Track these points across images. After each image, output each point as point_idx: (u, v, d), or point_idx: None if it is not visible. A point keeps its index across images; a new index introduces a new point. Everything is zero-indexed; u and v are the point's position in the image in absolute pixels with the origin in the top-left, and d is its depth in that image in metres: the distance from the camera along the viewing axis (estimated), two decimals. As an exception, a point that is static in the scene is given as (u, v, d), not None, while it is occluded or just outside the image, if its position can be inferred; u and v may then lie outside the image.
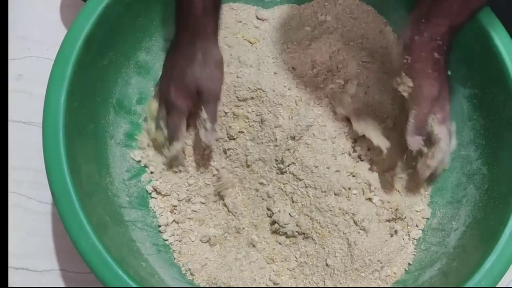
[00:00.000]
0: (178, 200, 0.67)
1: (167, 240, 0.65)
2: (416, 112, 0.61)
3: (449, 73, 0.62)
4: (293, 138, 0.63)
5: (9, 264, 0.68)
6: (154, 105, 0.67)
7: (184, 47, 0.63)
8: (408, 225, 0.67)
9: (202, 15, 0.61)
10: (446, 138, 0.63)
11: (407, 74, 0.60)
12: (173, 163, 0.67)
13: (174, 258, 0.64)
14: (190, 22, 0.61)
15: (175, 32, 0.65)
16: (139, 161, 0.68)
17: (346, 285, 0.62)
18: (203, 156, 0.68)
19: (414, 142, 0.61)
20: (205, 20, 0.62)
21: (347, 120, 0.67)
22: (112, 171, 0.65)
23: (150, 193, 0.67)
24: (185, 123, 0.65)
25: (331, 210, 0.62)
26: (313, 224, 0.63)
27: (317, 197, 0.62)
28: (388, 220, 0.66)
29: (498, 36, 0.64)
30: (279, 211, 0.63)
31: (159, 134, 0.67)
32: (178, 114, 0.65)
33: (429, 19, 0.58)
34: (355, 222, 0.62)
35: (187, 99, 0.64)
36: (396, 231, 0.65)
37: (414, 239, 0.67)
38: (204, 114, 0.63)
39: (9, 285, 0.66)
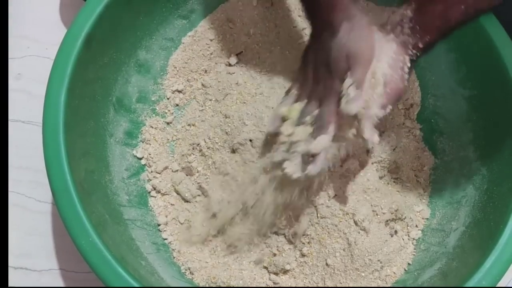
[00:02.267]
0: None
1: (166, 239, 0.65)
2: (381, 103, 0.55)
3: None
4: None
5: (8, 264, 0.67)
6: (297, 106, 0.59)
7: (323, 26, 0.56)
8: (408, 225, 0.67)
9: None
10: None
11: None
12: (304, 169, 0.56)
13: (174, 257, 0.64)
14: (326, 1, 0.55)
15: (308, 16, 0.59)
16: (140, 159, 0.68)
17: (346, 285, 0.62)
18: None
19: (372, 134, 0.55)
20: None
21: None
22: (112, 170, 0.65)
23: (149, 192, 0.67)
24: (334, 94, 0.55)
25: (331, 211, 0.62)
26: (313, 224, 0.63)
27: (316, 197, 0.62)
28: (388, 221, 0.66)
29: (498, 38, 0.64)
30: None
31: (300, 131, 0.57)
32: (333, 100, 0.55)
33: (413, 28, 0.55)
34: (355, 222, 0.62)
35: (339, 72, 0.55)
36: (396, 231, 0.66)
37: (413, 239, 0.67)
38: (348, 81, 0.54)
39: (9, 285, 0.66)
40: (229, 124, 0.67)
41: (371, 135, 0.54)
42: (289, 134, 0.58)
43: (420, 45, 0.55)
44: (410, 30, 0.55)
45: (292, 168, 0.56)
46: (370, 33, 0.55)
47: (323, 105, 0.56)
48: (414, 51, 0.56)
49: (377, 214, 0.65)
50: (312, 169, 0.55)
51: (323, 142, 0.54)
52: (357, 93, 0.53)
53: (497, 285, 0.55)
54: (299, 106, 0.59)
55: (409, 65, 0.56)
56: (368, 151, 0.67)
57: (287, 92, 0.62)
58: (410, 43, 0.55)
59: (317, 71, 0.58)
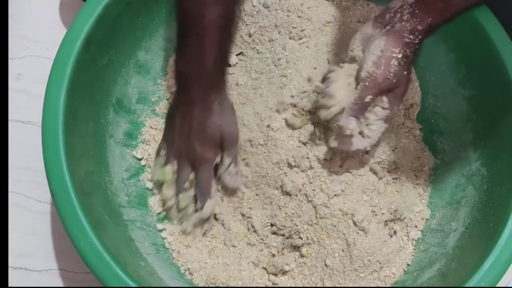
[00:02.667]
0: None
1: (166, 238, 0.65)
2: (361, 94, 0.58)
3: (411, 76, 0.61)
4: None
5: (8, 264, 0.68)
6: (169, 169, 0.66)
7: (198, 101, 0.63)
8: (407, 226, 0.67)
9: (214, 71, 0.62)
10: (376, 137, 0.61)
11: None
12: (201, 226, 0.66)
13: (173, 258, 0.64)
14: (203, 77, 0.62)
15: (181, 88, 0.65)
16: (140, 159, 0.68)
17: (345, 286, 0.62)
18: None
19: (347, 121, 0.58)
20: (217, 76, 0.63)
21: None
22: (112, 170, 0.65)
23: (151, 189, 0.67)
24: (214, 177, 0.65)
25: (330, 211, 0.62)
26: (312, 225, 0.63)
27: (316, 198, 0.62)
28: (387, 221, 0.66)
29: (498, 37, 0.64)
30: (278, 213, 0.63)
31: (183, 198, 0.65)
32: (208, 168, 0.64)
33: (413, 12, 0.56)
34: (354, 223, 0.62)
35: (214, 149, 0.64)
36: (395, 232, 0.65)
37: (413, 239, 0.67)
38: (227, 160, 0.64)
39: (8, 285, 0.66)
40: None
41: (346, 122, 0.58)
42: (170, 197, 0.66)
43: (419, 27, 0.56)
44: (409, 14, 0.56)
45: (190, 229, 0.65)
46: (235, 117, 0.65)
47: (199, 171, 0.64)
48: (412, 36, 0.56)
49: (376, 215, 0.65)
50: (207, 227, 0.66)
51: (211, 206, 0.64)
52: (237, 169, 0.64)
53: (497, 285, 0.55)
54: (170, 169, 0.65)
55: (400, 55, 0.56)
56: (367, 151, 0.67)
57: (157, 152, 0.68)
58: (407, 30, 0.56)
59: (184, 136, 0.64)
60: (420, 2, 0.56)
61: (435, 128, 0.72)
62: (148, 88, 0.71)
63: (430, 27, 0.56)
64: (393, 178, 0.69)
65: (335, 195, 0.63)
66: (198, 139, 0.63)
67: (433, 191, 0.70)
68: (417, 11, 0.56)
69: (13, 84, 0.76)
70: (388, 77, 0.57)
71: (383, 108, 0.59)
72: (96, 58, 0.63)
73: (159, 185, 0.67)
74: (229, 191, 0.66)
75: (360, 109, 0.58)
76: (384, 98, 0.59)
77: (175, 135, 0.65)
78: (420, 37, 0.56)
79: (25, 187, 0.72)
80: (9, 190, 0.71)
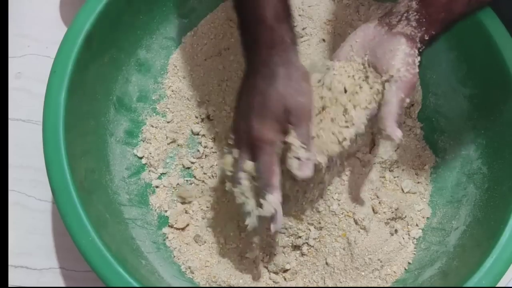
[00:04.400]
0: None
1: (167, 237, 0.65)
2: (401, 98, 0.53)
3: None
4: None
5: (9, 262, 0.67)
6: (228, 158, 0.56)
7: (260, 65, 0.52)
8: (408, 224, 0.67)
9: (276, 24, 0.51)
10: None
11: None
12: (267, 225, 0.54)
13: (174, 256, 0.64)
14: (263, 34, 0.51)
15: (245, 51, 0.55)
16: (141, 158, 0.68)
17: (346, 284, 0.62)
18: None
19: (394, 129, 0.52)
20: (280, 29, 0.52)
21: None
22: (112, 169, 0.65)
23: (157, 186, 0.68)
24: (279, 164, 0.53)
25: (332, 210, 0.62)
26: (313, 224, 0.63)
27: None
28: (388, 220, 0.66)
29: (499, 36, 0.64)
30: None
31: (238, 193, 0.54)
32: (268, 152, 0.52)
33: (419, 20, 0.54)
34: (355, 221, 0.62)
35: (276, 127, 0.52)
36: (396, 230, 0.65)
37: (414, 238, 0.67)
38: (295, 140, 0.51)
39: (9, 283, 0.66)
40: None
41: (394, 130, 0.52)
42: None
43: (426, 37, 0.54)
44: (417, 22, 0.54)
45: (253, 221, 0.54)
46: (308, 86, 0.53)
47: (257, 157, 0.52)
48: (420, 44, 0.54)
49: (377, 213, 0.65)
50: (274, 227, 0.53)
51: (273, 202, 0.52)
52: (308, 155, 0.51)
53: (497, 285, 0.55)
54: (230, 157, 0.56)
55: (419, 58, 0.54)
56: (370, 150, 0.67)
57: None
58: (417, 36, 0.54)
59: (242, 114, 0.54)
60: (424, 10, 0.54)
61: (436, 126, 0.72)
62: (148, 86, 0.71)
63: (433, 38, 0.55)
64: (394, 177, 0.69)
65: (336, 194, 0.63)
66: (257, 115, 0.52)
67: (434, 189, 0.70)
68: (423, 20, 0.54)
69: (13, 82, 0.76)
70: (417, 76, 0.54)
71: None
72: (97, 56, 0.63)
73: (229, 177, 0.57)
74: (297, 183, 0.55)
75: (401, 115, 0.53)
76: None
77: (236, 114, 0.56)
78: (423, 47, 0.55)
79: (26, 185, 0.71)
80: (9, 188, 0.71)
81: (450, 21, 0.54)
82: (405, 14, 0.55)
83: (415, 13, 0.54)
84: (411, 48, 0.54)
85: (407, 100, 0.54)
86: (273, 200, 0.52)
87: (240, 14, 0.54)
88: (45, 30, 0.80)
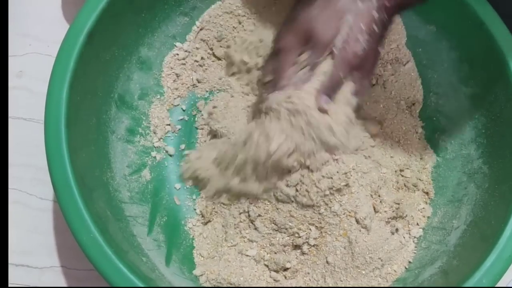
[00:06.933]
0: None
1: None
2: (334, 72, 0.56)
3: (380, 50, 0.59)
4: None
5: (9, 261, 0.67)
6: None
7: None
8: (409, 224, 0.67)
9: None
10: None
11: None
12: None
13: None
14: None
15: None
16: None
17: (347, 283, 0.62)
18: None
19: (322, 100, 0.56)
20: None
21: None
22: (113, 166, 0.64)
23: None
24: (289, 64, 0.57)
25: (333, 211, 0.62)
26: (313, 223, 0.63)
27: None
28: (389, 219, 0.66)
29: (501, 36, 0.64)
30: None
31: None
32: (281, 57, 0.58)
33: None
34: (356, 220, 0.62)
35: (295, 40, 0.57)
36: (397, 229, 0.65)
37: (414, 237, 0.67)
38: (307, 58, 0.57)
39: (9, 282, 0.66)
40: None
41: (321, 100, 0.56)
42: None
43: (387, 4, 0.55)
44: None
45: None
46: (337, 16, 0.56)
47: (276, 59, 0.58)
48: (379, 13, 0.55)
49: (378, 212, 0.65)
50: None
51: (328, 64, 0.56)
52: (310, 74, 0.56)
53: (497, 285, 0.55)
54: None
55: (368, 31, 0.55)
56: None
57: None
58: (374, 7, 0.55)
59: (280, 29, 0.60)
60: None
61: (437, 126, 0.72)
62: (150, 84, 0.71)
63: (398, 5, 0.55)
64: (395, 176, 0.69)
65: (337, 193, 0.63)
66: (285, 28, 0.58)
67: (435, 189, 0.70)
68: None
69: (14, 81, 0.76)
70: (357, 53, 0.56)
71: (354, 83, 0.58)
72: (99, 53, 0.63)
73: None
74: None
75: (333, 87, 0.57)
76: (355, 73, 0.58)
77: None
78: (388, 14, 0.55)
79: (27, 184, 0.71)
80: (10, 187, 0.71)
81: None
82: None
83: None
84: (361, 24, 0.55)
85: (341, 74, 0.56)
86: (328, 64, 0.56)
87: None
88: (46, 29, 0.80)
